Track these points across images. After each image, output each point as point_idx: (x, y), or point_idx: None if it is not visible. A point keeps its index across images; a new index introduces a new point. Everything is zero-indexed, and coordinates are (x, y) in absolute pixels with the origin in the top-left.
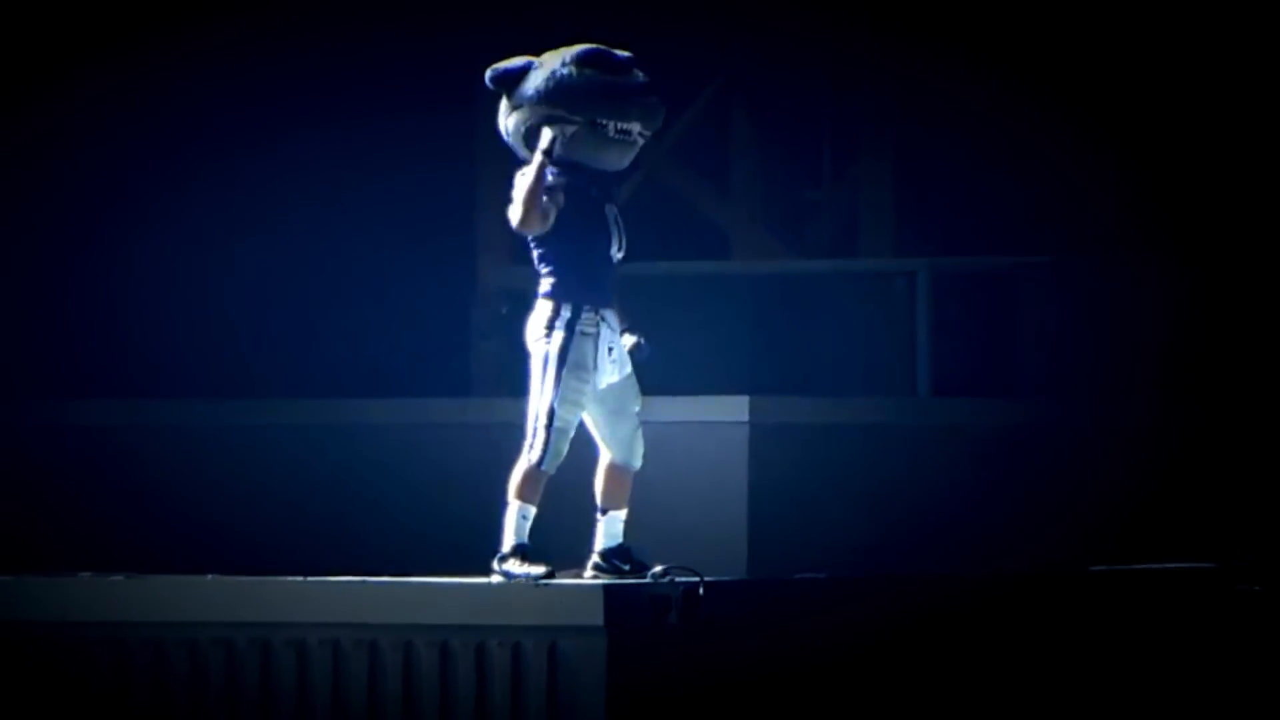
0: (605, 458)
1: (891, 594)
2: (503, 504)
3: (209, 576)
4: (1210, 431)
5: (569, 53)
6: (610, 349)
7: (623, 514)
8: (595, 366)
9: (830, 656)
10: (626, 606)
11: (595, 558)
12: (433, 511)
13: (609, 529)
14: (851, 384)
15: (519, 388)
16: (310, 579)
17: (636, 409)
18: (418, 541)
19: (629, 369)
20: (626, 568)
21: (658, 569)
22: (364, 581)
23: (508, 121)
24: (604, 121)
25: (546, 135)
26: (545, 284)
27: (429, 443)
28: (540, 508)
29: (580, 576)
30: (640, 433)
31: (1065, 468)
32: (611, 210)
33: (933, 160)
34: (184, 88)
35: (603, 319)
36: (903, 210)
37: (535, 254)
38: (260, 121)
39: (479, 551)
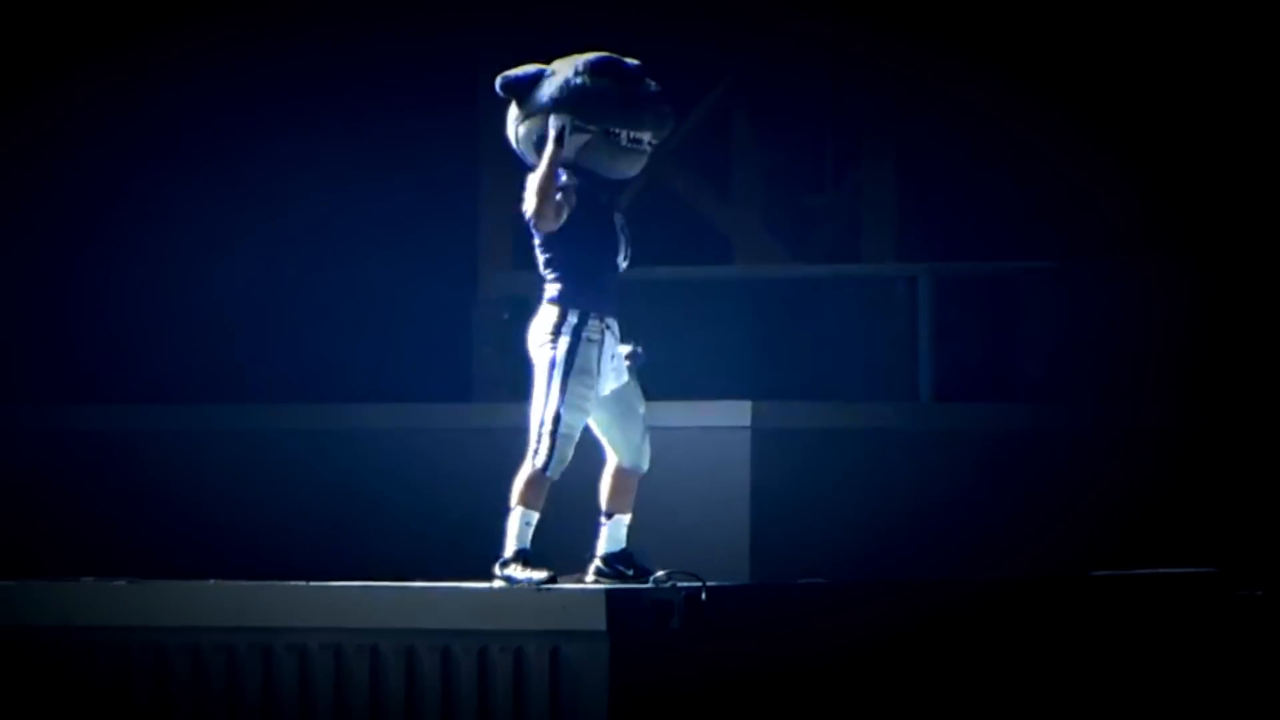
0: (613, 462)
1: (893, 599)
2: (504, 509)
3: (211, 581)
4: (1212, 436)
5: (581, 61)
6: (612, 356)
7: (627, 519)
8: (599, 373)
9: (832, 661)
10: (629, 611)
11: (598, 562)
12: (434, 516)
13: (612, 534)
14: (853, 389)
15: (520, 393)
16: (312, 584)
17: (642, 411)
18: (419, 546)
19: (626, 375)
20: (629, 572)
21: (660, 574)
22: (366, 586)
23: (518, 129)
24: (617, 131)
25: (555, 122)
26: (552, 289)
27: (430, 447)
28: (543, 513)
29: (582, 581)
30: (648, 436)
31: (1067, 472)
32: (619, 219)
33: (935, 164)
34: (184, 89)
35: (607, 327)
36: (905, 214)
37: (542, 259)
38: (261, 125)
39: (481, 556)
